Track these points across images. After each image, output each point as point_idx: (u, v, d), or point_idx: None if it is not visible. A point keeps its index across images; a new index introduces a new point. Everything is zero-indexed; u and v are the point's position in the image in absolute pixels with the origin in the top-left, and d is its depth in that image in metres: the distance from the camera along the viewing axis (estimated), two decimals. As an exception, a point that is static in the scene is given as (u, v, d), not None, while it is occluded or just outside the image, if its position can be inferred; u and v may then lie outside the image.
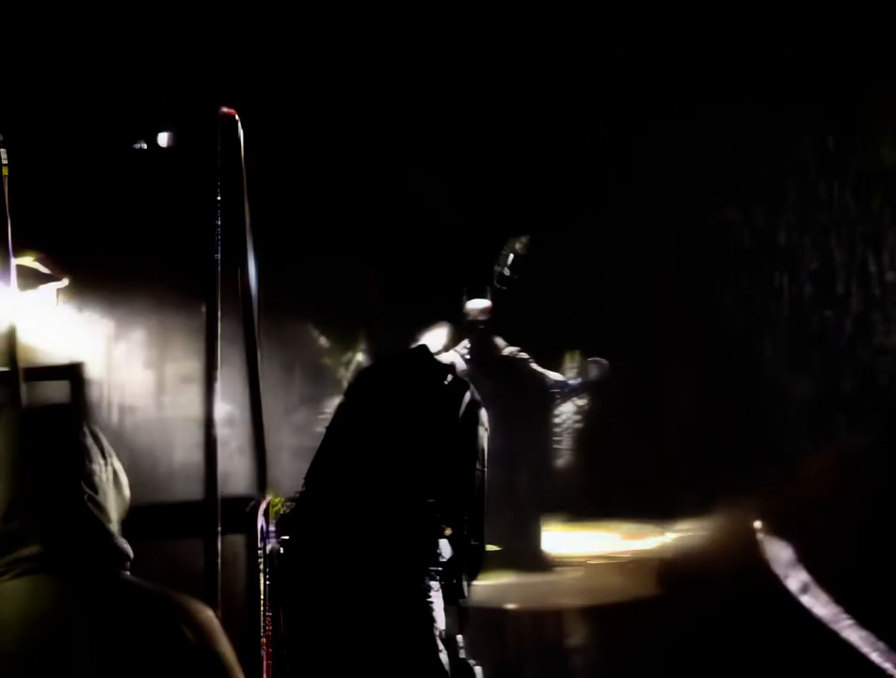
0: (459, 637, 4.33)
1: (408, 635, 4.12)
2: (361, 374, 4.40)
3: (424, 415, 4.25)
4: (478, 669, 4.32)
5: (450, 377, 4.37)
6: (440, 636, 4.18)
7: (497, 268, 10.09)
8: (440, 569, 4.24)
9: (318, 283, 8.06)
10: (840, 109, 9.14)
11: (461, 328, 10.16)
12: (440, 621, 4.19)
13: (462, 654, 4.28)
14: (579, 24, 9.74)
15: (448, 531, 4.30)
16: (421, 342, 4.60)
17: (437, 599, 4.20)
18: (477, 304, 10.09)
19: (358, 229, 9.30)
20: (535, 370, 10.22)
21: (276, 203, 4.77)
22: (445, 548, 4.30)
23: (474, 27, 9.28)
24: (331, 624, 4.07)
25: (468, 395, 4.33)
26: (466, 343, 10.12)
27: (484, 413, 4.40)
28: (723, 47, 9.54)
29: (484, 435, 4.43)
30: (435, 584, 4.23)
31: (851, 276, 9.40)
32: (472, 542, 4.39)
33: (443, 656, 4.19)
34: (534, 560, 9.97)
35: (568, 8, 9.69)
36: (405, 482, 4.18)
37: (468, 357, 10.03)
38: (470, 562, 4.39)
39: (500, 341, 10.19)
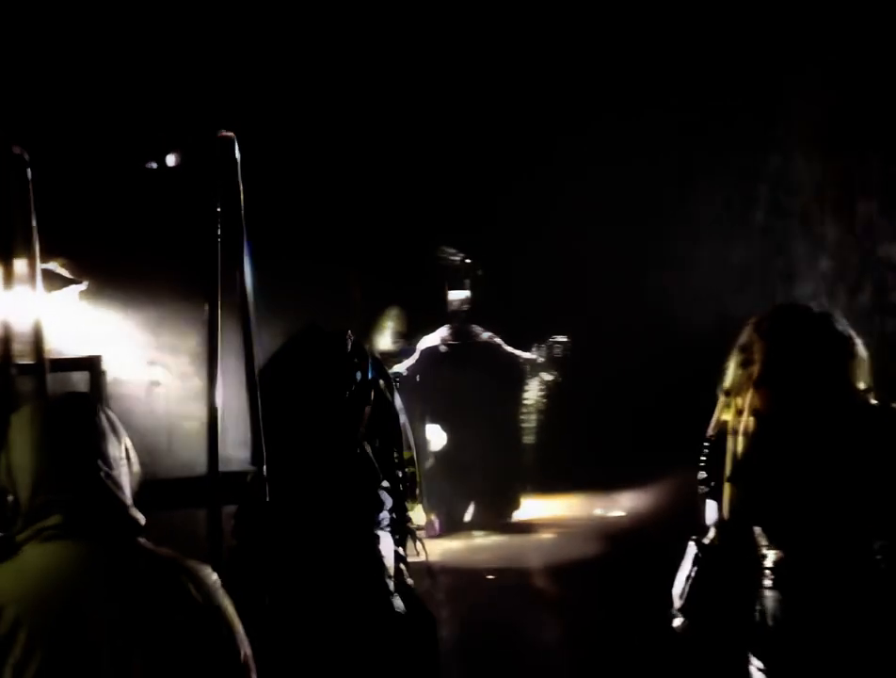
0: (410, 580, 4.35)
1: (359, 581, 4.12)
2: (269, 359, 4.37)
3: (327, 381, 4.30)
4: (432, 618, 4.33)
5: (347, 343, 4.41)
6: (391, 580, 4.18)
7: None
8: (386, 516, 4.26)
9: (307, 284, 8.06)
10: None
11: (444, 316, 10.19)
12: (390, 568, 4.19)
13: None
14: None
15: (385, 483, 4.31)
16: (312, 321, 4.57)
17: (386, 547, 4.20)
18: (457, 295, 10.14)
19: (341, 238, 9.31)
20: (507, 351, 10.24)
21: (270, 215, 4.79)
22: (386, 498, 4.33)
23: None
24: (295, 577, 4.10)
25: (366, 357, 4.39)
26: (447, 329, 10.15)
27: (385, 369, 4.47)
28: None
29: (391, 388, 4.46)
30: (383, 533, 4.25)
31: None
32: (407, 469, 4.40)
33: (396, 601, 4.20)
34: (505, 524, 9.96)
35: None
36: (328, 443, 4.22)
37: (450, 341, 10.07)
38: (408, 489, 4.40)
39: (476, 327, 10.22)
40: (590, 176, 10.33)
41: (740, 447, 3.83)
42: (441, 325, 10.31)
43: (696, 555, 3.90)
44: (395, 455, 4.40)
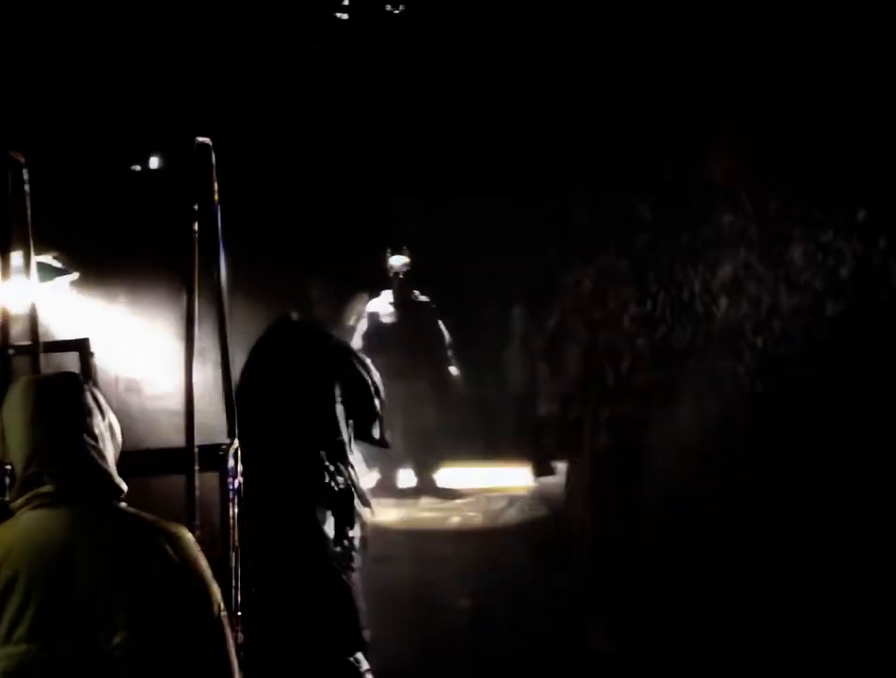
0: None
1: (305, 551, 4.08)
2: (252, 354, 4.29)
3: (313, 377, 4.20)
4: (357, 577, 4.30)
5: (331, 338, 4.32)
6: (333, 552, 4.12)
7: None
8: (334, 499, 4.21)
9: (273, 275, 8.06)
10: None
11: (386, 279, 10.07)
12: (331, 541, 4.13)
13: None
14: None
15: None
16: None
17: (329, 525, 4.15)
18: (398, 260, 10.06)
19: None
20: (437, 324, 10.15)
21: (242, 215, 4.75)
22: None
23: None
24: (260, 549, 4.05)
25: (340, 351, 4.28)
26: (390, 291, 10.08)
27: (366, 360, 4.34)
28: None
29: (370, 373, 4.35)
30: (328, 513, 4.20)
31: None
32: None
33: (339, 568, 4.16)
34: (433, 490, 9.85)
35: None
36: (295, 431, 4.15)
37: (391, 301, 10.02)
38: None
39: (416, 292, 10.15)
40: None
41: None
42: (381, 290, 10.21)
43: None
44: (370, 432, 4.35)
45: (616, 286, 8.72)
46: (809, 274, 7.68)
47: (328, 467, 4.25)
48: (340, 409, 4.37)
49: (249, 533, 3.97)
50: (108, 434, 3.02)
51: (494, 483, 9.93)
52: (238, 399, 4.02)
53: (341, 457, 4.34)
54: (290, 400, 4.16)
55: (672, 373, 8.25)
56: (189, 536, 2.99)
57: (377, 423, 4.47)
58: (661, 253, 8.50)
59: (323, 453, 4.24)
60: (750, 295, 7.89)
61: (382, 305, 10.15)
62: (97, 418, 2.99)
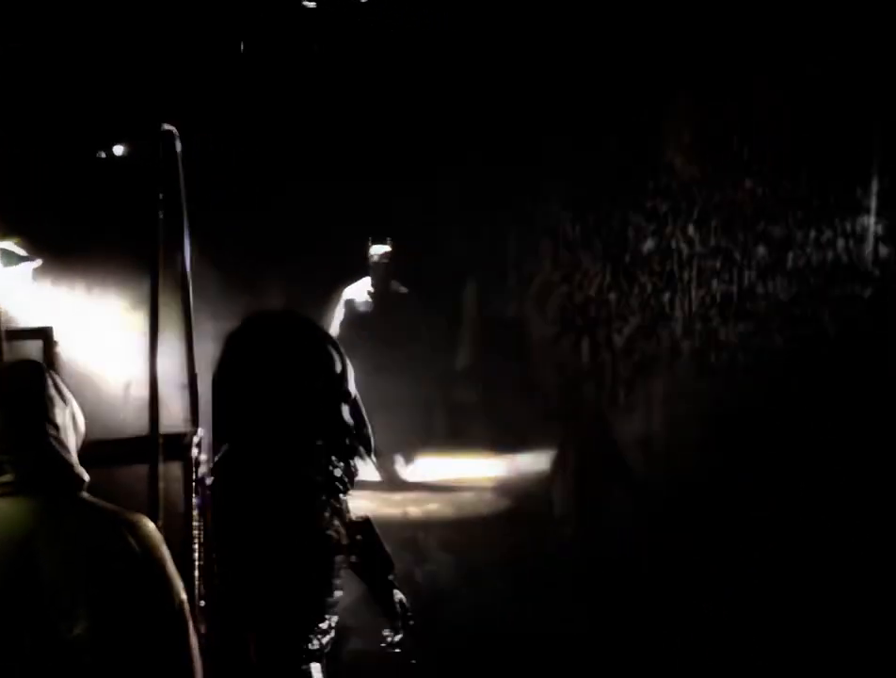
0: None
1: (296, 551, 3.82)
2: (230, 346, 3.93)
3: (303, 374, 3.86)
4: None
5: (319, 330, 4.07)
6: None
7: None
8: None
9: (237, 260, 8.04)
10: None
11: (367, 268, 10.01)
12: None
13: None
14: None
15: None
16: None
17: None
18: (378, 249, 10.00)
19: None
20: (417, 303, 10.10)
21: (207, 202, 4.71)
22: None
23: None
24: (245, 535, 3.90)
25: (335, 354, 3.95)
26: (370, 280, 10.02)
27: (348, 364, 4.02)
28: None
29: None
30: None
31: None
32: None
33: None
34: (397, 482, 9.77)
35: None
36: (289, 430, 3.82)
37: (371, 290, 9.96)
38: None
39: (395, 282, 10.10)
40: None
41: None
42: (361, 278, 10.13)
43: None
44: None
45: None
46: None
47: (324, 464, 3.95)
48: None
49: (226, 528, 3.84)
50: (71, 424, 3.01)
51: (462, 474, 9.91)
52: (218, 394, 3.80)
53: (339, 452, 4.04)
54: (281, 395, 3.80)
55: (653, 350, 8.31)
56: (151, 526, 3.00)
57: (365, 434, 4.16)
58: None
59: (319, 446, 3.91)
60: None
61: (360, 294, 10.08)
62: (59, 407, 2.97)
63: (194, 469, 4.03)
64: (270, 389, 3.74)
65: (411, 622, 4.06)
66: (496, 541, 7.84)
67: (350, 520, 4.03)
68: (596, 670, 6.12)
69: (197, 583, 3.75)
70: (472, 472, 9.84)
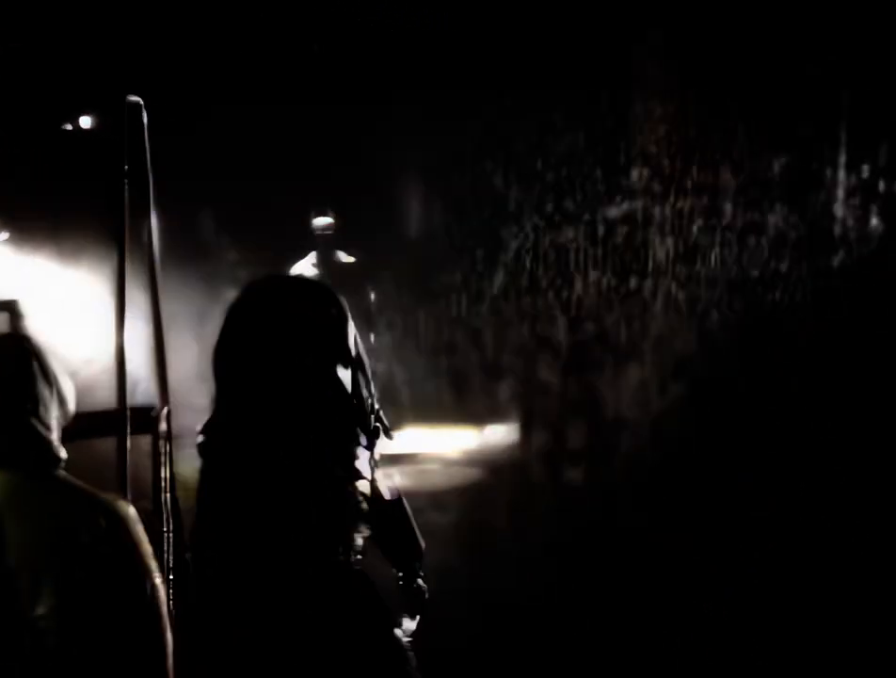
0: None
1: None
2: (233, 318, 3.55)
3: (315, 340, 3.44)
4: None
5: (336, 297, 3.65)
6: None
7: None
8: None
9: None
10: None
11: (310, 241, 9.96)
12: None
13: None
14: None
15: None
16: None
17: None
18: (322, 221, 9.93)
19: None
20: (362, 272, 10.06)
21: (173, 177, 4.67)
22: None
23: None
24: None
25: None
26: (314, 253, 9.97)
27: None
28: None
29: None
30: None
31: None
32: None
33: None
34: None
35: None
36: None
37: (314, 263, 9.91)
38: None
39: (339, 252, 10.03)
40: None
41: None
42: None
43: None
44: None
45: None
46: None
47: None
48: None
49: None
50: (55, 402, 2.97)
51: (429, 446, 9.85)
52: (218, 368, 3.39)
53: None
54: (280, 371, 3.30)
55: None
56: (127, 509, 2.96)
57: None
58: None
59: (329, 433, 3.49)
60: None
61: (306, 268, 10.03)
62: (42, 386, 2.94)
63: (161, 442, 4.03)
64: (269, 363, 3.29)
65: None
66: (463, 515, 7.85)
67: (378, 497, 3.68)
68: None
69: (165, 557, 3.74)
70: (437, 443, 9.83)
